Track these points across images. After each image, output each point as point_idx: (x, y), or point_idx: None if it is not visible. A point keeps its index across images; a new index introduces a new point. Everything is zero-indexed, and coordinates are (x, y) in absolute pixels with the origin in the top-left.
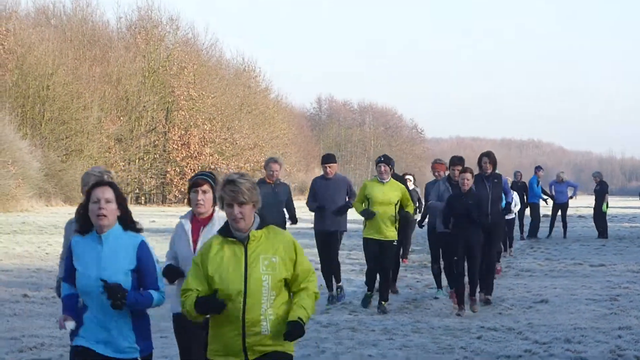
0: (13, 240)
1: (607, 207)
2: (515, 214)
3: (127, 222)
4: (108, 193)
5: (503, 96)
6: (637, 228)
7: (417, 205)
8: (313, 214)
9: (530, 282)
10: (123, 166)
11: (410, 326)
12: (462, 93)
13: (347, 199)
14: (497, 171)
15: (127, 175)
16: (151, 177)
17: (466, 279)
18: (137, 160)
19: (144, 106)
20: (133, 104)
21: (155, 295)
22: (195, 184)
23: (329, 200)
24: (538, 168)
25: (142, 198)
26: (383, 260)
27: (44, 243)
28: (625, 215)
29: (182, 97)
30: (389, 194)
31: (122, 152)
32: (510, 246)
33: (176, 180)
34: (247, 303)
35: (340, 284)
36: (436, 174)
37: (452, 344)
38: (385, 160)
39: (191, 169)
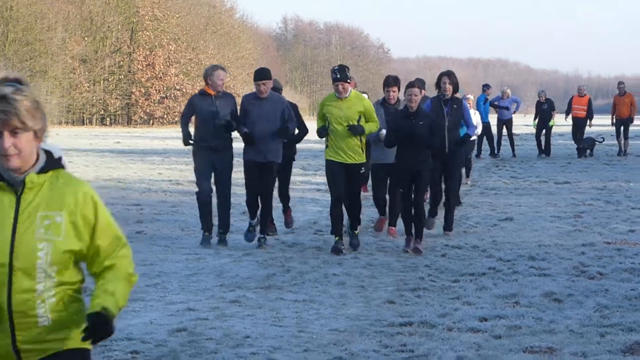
0: None
1: (553, 123)
2: (476, 134)
3: None
4: None
5: (470, 15)
6: (602, 146)
7: None
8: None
9: (495, 200)
10: (88, 87)
11: (375, 245)
12: (429, 12)
13: (289, 127)
14: (460, 94)
15: (92, 97)
16: (116, 98)
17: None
18: (102, 82)
19: (109, 27)
20: (97, 24)
21: None
22: None
23: (261, 123)
24: (486, 86)
25: (107, 119)
26: (350, 186)
27: None
28: (590, 133)
29: (146, 17)
30: (348, 110)
31: (86, 73)
32: (467, 175)
33: (141, 101)
34: (14, 282)
35: (265, 235)
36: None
37: (416, 262)
38: (342, 76)
39: (156, 90)
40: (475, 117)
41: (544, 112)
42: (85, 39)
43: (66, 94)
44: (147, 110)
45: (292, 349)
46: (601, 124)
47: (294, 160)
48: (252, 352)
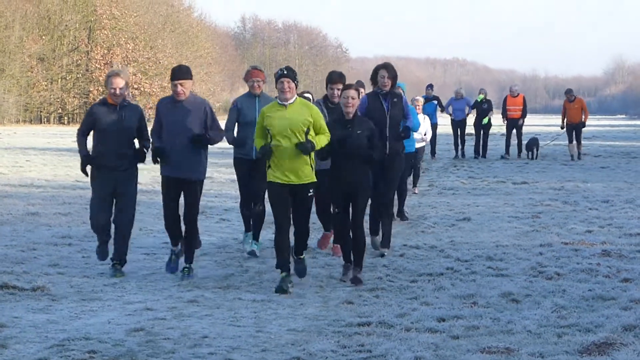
0: None
1: (488, 121)
2: (426, 141)
3: None
4: None
5: (428, 15)
6: (560, 146)
7: None
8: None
9: (453, 200)
10: (45, 86)
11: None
12: (387, 12)
13: (209, 134)
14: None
15: (50, 95)
16: (74, 97)
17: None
18: (59, 80)
19: (66, 25)
20: (55, 22)
21: None
22: None
23: (179, 132)
24: (429, 87)
25: (65, 118)
26: (297, 211)
27: None
28: (548, 133)
29: (104, 16)
30: (294, 120)
31: (44, 71)
32: (415, 184)
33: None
34: None
35: (190, 265)
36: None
37: (374, 262)
38: (289, 73)
39: None
40: (425, 123)
41: (483, 111)
42: (43, 37)
43: (24, 93)
44: None
45: (250, 349)
46: (554, 124)
47: None
48: (210, 352)
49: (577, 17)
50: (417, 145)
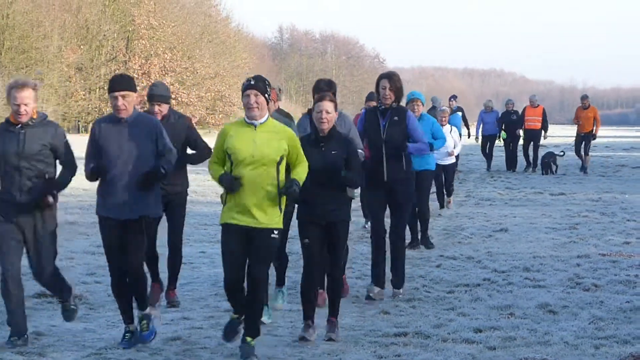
0: None
1: (505, 135)
2: (454, 155)
3: None
4: None
5: (466, 25)
6: (598, 157)
7: None
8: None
9: (490, 211)
10: (84, 95)
11: (369, 255)
12: (425, 22)
13: (164, 167)
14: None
15: (88, 104)
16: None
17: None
18: (97, 90)
19: (105, 35)
20: (93, 32)
21: None
22: None
23: (120, 158)
24: (452, 97)
25: None
26: (255, 265)
27: None
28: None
29: (142, 26)
30: (264, 145)
31: (82, 81)
32: (449, 196)
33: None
34: None
35: (146, 311)
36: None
37: (411, 273)
38: (257, 84)
39: None
40: (454, 135)
41: (512, 123)
42: (81, 47)
43: (62, 102)
44: None
45: (286, 358)
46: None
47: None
48: None
49: (617, 28)
50: (446, 162)
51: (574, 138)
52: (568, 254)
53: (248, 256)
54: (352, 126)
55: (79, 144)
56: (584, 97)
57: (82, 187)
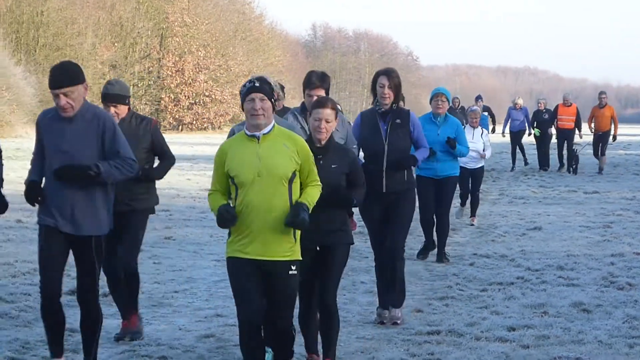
0: (7, 166)
1: (538, 132)
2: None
3: None
4: None
5: (499, 23)
6: (632, 155)
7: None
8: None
9: (524, 210)
10: None
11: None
12: (458, 19)
13: (98, 165)
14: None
15: None
16: (145, 104)
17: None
18: (131, 87)
19: (138, 32)
20: (127, 30)
21: None
22: None
23: (61, 161)
24: (478, 98)
25: None
26: (274, 303)
27: None
28: (620, 142)
29: (176, 24)
30: (270, 159)
31: (116, 78)
32: (473, 214)
33: (170, 107)
34: None
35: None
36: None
37: (444, 271)
38: (262, 86)
39: (185, 96)
40: (484, 138)
41: (544, 122)
42: (115, 44)
43: (96, 99)
44: (176, 116)
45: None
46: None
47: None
48: None
49: None
50: (475, 165)
51: (619, 138)
52: (602, 253)
53: (267, 298)
54: (349, 127)
55: None
56: (602, 93)
57: None
